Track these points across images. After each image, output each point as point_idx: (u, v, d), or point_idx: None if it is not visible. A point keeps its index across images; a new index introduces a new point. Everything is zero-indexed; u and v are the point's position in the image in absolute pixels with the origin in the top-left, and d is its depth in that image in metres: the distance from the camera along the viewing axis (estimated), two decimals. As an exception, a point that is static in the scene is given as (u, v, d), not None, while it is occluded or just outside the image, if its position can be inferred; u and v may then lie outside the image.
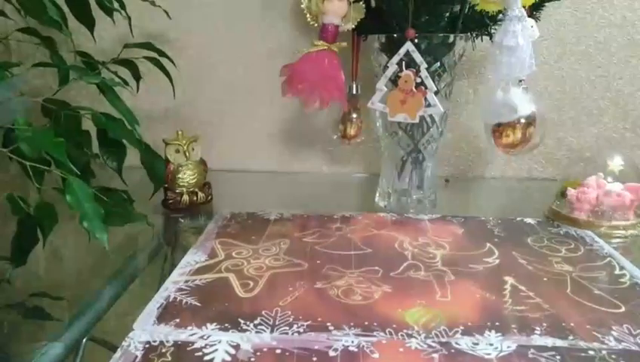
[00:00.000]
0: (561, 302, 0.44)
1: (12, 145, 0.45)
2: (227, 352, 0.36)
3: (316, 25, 0.63)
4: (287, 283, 0.47)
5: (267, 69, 0.86)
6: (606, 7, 0.81)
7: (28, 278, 0.50)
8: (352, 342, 0.37)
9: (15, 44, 0.83)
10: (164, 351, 0.36)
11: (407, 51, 0.60)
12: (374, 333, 0.39)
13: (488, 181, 0.89)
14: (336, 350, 0.36)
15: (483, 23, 0.64)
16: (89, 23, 0.65)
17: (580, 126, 0.86)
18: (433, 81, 0.60)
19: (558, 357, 0.36)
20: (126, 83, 0.62)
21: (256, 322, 0.40)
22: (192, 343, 0.37)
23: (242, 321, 0.40)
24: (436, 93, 0.61)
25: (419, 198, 0.69)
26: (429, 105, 0.61)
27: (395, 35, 0.62)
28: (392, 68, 0.61)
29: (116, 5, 0.62)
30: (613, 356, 0.36)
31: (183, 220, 0.66)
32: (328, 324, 0.40)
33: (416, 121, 0.62)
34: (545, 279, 0.49)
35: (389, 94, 0.62)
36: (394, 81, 0.62)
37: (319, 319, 0.41)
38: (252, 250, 0.54)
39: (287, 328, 0.39)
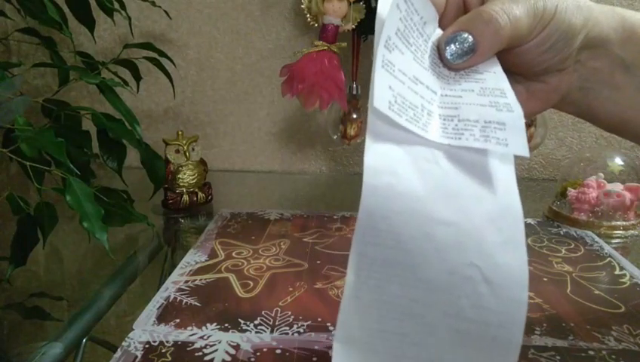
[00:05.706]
0: (561, 302, 0.44)
1: (12, 145, 0.45)
2: (227, 352, 0.36)
3: (316, 25, 0.63)
4: (287, 283, 0.47)
5: (267, 69, 0.87)
6: (606, 8, 0.81)
7: (28, 278, 0.50)
8: (352, 342, 0.37)
9: (15, 44, 0.83)
10: (164, 351, 0.36)
11: (407, 51, 0.59)
12: (374, 333, 0.39)
13: (488, 181, 0.88)
14: (336, 350, 0.36)
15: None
16: (89, 23, 0.65)
17: (580, 126, 0.86)
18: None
19: (558, 357, 0.36)
20: (126, 83, 0.62)
21: (256, 322, 0.40)
22: (192, 343, 0.37)
23: (242, 321, 0.40)
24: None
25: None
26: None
27: (395, 35, 0.62)
28: (392, 68, 0.61)
29: (116, 5, 0.63)
30: (613, 356, 0.36)
31: (183, 220, 0.66)
32: (328, 324, 0.40)
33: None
34: (545, 279, 0.49)
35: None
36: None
37: (319, 319, 0.41)
38: (252, 250, 0.54)
39: (287, 328, 0.39)
